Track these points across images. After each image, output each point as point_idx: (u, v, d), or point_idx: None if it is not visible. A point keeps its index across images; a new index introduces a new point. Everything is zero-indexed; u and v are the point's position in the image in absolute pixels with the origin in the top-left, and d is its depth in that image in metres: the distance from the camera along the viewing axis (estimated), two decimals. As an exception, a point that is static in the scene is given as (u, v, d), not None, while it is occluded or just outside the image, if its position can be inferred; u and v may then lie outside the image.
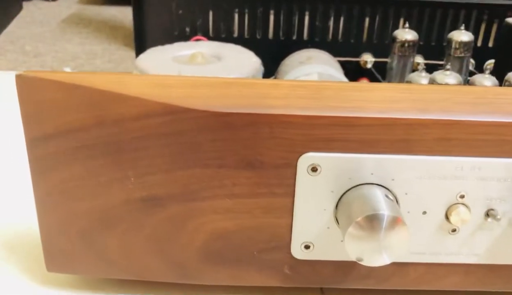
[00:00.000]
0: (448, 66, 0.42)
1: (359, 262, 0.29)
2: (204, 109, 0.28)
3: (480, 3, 0.60)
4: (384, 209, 0.28)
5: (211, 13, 0.60)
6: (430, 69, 0.58)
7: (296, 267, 0.32)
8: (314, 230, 0.31)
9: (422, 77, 0.46)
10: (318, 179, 0.30)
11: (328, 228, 0.31)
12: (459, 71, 0.52)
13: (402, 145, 0.29)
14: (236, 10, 0.59)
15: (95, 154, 0.30)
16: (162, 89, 0.29)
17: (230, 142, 0.29)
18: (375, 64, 0.60)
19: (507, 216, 0.31)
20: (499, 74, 0.46)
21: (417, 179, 0.30)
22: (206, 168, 0.29)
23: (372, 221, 0.28)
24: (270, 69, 0.59)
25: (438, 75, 0.41)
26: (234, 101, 0.28)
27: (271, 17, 0.60)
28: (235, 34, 0.60)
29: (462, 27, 0.52)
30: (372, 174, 0.29)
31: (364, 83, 0.29)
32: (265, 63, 0.61)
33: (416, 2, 0.59)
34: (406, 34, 0.51)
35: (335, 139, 0.29)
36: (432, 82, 0.41)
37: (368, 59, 0.60)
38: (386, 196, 0.29)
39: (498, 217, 0.30)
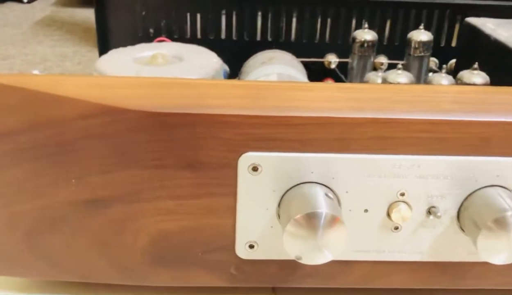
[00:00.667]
0: (400, 65, 0.42)
1: (298, 261, 0.29)
2: (140, 109, 0.28)
3: (442, 2, 0.60)
4: (323, 208, 0.28)
5: (175, 15, 0.60)
6: (392, 69, 0.58)
7: (241, 267, 0.32)
8: (257, 230, 0.31)
9: (378, 77, 0.46)
10: (259, 178, 0.30)
11: (271, 227, 0.31)
12: (419, 71, 0.53)
13: (340, 144, 0.29)
14: (200, 11, 0.59)
15: (33, 157, 0.29)
16: (99, 89, 0.29)
17: (168, 143, 0.29)
18: (339, 64, 0.60)
19: (449, 214, 0.31)
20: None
21: (357, 177, 0.30)
22: (145, 169, 0.29)
23: (310, 219, 0.28)
24: (236, 70, 0.59)
25: (391, 74, 0.41)
26: (171, 101, 0.28)
27: (235, 18, 0.60)
28: (199, 36, 0.60)
29: (421, 27, 0.52)
30: (312, 172, 0.30)
31: (306, 82, 0.29)
32: (230, 64, 0.61)
33: (378, 2, 0.60)
34: (365, 34, 0.52)
35: (274, 139, 0.29)
36: (384, 81, 0.41)
37: (332, 59, 0.60)
38: (326, 194, 0.29)
39: (439, 214, 0.30)
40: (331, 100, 0.29)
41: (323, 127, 0.29)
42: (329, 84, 0.30)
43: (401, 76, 0.41)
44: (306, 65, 0.62)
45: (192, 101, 0.28)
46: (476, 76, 0.41)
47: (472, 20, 0.53)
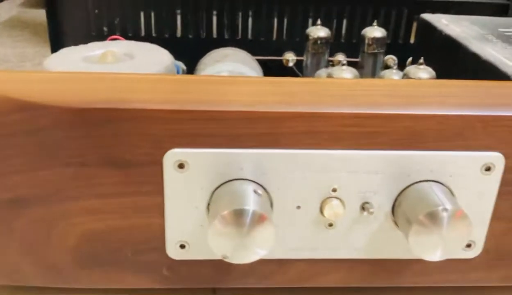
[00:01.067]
0: (344, 61, 0.41)
1: (225, 260, 0.28)
2: (59, 105, 0.27)
3: None
4: (250, 205, 0.27)
5: (129, 13, 0.59)
6: (351, 66, 0.58)
7: (174, 267, 0.31)
8: (188, 229, 0.30)
9: (336, 70, 0.45)
10: (186, 176, 0.29)
11: (201, 226, 0.30)
12: (373, 67, 0.52)
13: (269, 139, 0.28)
14: (154, 9, 0.58)
15: (-50, 155, 0.28)
16: (18, 84, 0.28)
17: (90, 140, 0.28)
18: (298, 62, 0.60)
19: (383, 209, 0.30)
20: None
21: (288, 173, 0.29)
22: (68, 167, 0.28)
23: (236, 216, 0.27)
24: (194, 68, 0.58)
25: (336, 70, 0.41)
26: (92, 96, 0.27)
27: (190, 16, 0.59)
28: (154, 34, 0.59)
29: (375, 23, 0.52)
30: (242, 169, 0.29)
31: (235, 76, 0.28)
32: (188, 62, 0.60)
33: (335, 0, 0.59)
34: (318, 31, 0.51)
35: (200, 135, 0.28)
36: (329, 76, 0.41)
37: (290, 57, 0.59)
38: (255, 191, 0.29)
39: (372, 210, 0.30)
40: (260, 94, 0.28)
41: (251, 122, 0.28)
42: (258, 78, 0.30)
43: (345, 72, 0.40)
44: (264, 63, 0.61)
45: (114, 96, 0.27)
46: (422, 71, 0.40)
47: (427, 16, 0.53)
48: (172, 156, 0.28)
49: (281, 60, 0.61)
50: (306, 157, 0.29)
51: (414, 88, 0.29)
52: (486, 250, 0.32)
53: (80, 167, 0.28)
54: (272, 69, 0.61)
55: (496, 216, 0.31)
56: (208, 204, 0.29)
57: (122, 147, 0.28)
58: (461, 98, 0.29)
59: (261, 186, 0.29)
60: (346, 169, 0.29)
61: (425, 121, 0.28)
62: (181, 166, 0.28)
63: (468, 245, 0.32)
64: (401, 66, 0.59)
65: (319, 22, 0.52)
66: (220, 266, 0.31)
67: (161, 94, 0.28)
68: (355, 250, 0.31)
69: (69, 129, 0.27)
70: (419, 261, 0.31)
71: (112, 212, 0.29)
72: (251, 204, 0.27)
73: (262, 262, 0.31)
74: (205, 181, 0.29)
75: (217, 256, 0.30)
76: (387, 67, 0.57)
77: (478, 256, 0.32)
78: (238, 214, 0.27)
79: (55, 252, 0.31)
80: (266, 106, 0.28)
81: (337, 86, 0.30)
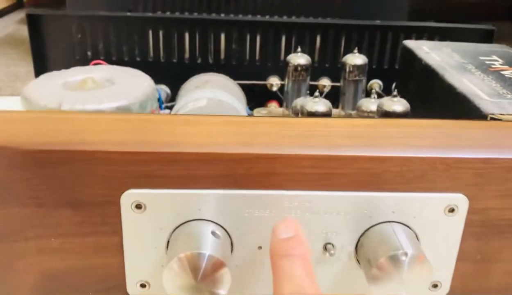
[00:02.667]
0: (317, 93, 0.41)
1: (181, 304, 0.28)
2: (12, 146, 0.27)
3: (384, 24, 0.60)
4: (206, 249, 0.27)
5: (112, 38, 0.59)
6: (336, 91, 0.58)
7: (135, 306, 0.31)
8: (148, 269, 0.30)
9: (308, 102, 0.45)
10: (144, 216, 0.28)
11: (162, 266, 0.30)
12: (354, 94, 0.52)
13: (227, 180, 0.28)
14: (137, 34, 0.58)
15: None
16: (-26, 125, 0.28)
17: (45, 181, 0.27)
18: (282, 86, 0.60)
19: (346, 250, 0.30)
20: (401, 96, 0.45)
21: (248, 214, 0.29)
22: (24, 207, 0.28)
23: (191, 259, 0.27)
24: (177, 92, 0.58)
25: (308, 102, 0.40)
26: (46, 137, 0.27)
27: (176, 40, 0.59)
28: (137, 58, 0.59)
29: (355, 51, 0.52)
30: (200, 210, 0.28)
31: (194, 115, 0.27)
32: (171, 85, 0.60)
33: (319, 25, 0.59)
34: (298, 58, 0.51)
35: (156, 176, 0.28)
36: (302, 109, 0.40)
37: (274, 82, 0.59)
38: (213, 233, 0.28)
39: (332, 251, 0.29)
40: (218, 134, 0.28)
41: (208, 163, 0.28)
42: (218, 117, 0.29)
43: (318, 104, 0.40)
44: (250, 87, 0.61)
45: (68, 137, 0.27)
46: (395, 103, 0.40)
47: (409, 43, 0.53)
48: (129, 197, 0.28)
49: (265, 85, 0.61)
50: (265, 198, 0.28)
51: (374, 129, 0.29)
52: (453, 289, 0.32)
53: (37, 207, 0.28)
54: (257, 93, 0.61)
55: (462, 256, 0.31)
56: (168, 244, 0.29)
57: (79, 188, 0.28)
58: (423, 139, 0.29)
59: (221, 226, 0.29)
60: (306, 210, 0.29)
61: (386, 163, 0.28)
62: (138, 206, 0.28)
63: (435, 285, 0.31)
64: (387, 90, 0.59)
65: (299, 49, 0.52)
66: (181, 305, 0.31)
67: (116, 134, 0.28)
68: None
69: (23, 170, 0.27)
70: (385, 301, 0.31)
71: (71, 252, 0.29)
72: (208, 247, 0.27)
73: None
74: (164, 222, 0.29)
75: (177, 296, 0.30)
76: (371, 91, 0.57)
77: (445, 297, 0.32)
78: (194, 258, 0.27)
79: (15, 291, 0.30)
80: (223, 148, 0.27)
81: (295, 126, 0.29)
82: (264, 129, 0.28)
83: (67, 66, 0.55)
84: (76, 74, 0.53)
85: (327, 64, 0.61)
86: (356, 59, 0.51)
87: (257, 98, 0.61)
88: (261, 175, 0.28)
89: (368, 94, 0.54)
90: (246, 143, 0.28)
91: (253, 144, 0.28)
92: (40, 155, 0.27)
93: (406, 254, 0.27)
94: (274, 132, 0.28)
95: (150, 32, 0.59)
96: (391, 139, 0.29)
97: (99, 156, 0.27)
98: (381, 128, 0.29)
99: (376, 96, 0.46)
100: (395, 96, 0.40)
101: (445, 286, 0.31)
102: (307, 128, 0.29)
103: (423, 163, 0.28)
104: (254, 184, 0.28)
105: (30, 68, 0.89)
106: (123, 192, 0.28)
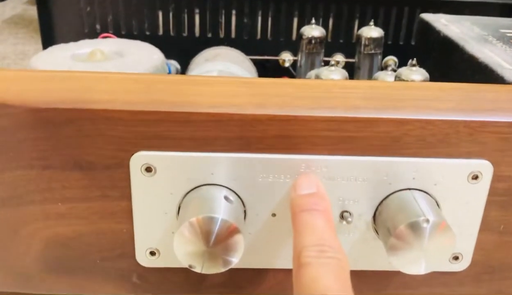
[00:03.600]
0: (332, 62, 0.40)
1: (193, 270, 0.27)
2: (20, 104, 0.26)
3: (399, -1, 0.58)
4: (219, 213, 0.26)
5: (122, 11, 0.57)
6: (350, 67, 0.56)
7: (144, 275, 0.30)
8: (158, 236, 0.29)
9: (323, 70, 0.43)
10: (154, 180, 0.27)
11: (172, 233, 0.29)
12: (370, 68, 0.50)
13: (240, 143, 0.27)
14: (147, 7, 0.57)
15: None
16: (-21, 83, 0.27)
17: (52, 141, 0.26)
18: (294, 62, 0.58)
19: (364, 219, 0.29)
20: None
21: (261, 179, 0.28)
22: (30, 169, 0.27)
23: (203, 224, 0.26)
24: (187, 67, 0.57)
25: (323, 71, 0.39)
26: (53, 95, 0.26)
27: (185, 15, 0.58)
28: (147, 32, 0.58)
29: (371, 23, 0.50)
30: (212, 174, 0.27)
31: (207, 76, 0.26)
32: (181, 60, 0.59)
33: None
34: (312, 30, 0.49)
35: (168, 137, 0.27)
36: (317, 77, 0.39)
37: (286, 57, 0.58)
38: (226, 197, 0.27)
39: (349, 219, 0.28)
40: (232, 95, 0.27)
41: (221, 124, 0.26)
42: (231, 78, 0.28)
43: (333, 73, 0.38)
44: (261, 63, 0.60)
45: (76, 96, 0.26)
46: (414, 73, 0.38)
47: (426, 16, 0.51)
48: (139, 159, 0.27)
49: (277, 60, 0.60)
50: (279, 162, 0.27)
51: (394, 91, 0.28)
52: (474, 263, 0.30)
53: (43, 169, 0.27)
54: (269, 69, 0.60)
55: (485, 227, 0.29)
56: (179, 210, 0.28)
57: (86, 149, 0.27)
58: (446, 102, 0.27)
59: (234, 192, 0.28)
60: (322, 175, 0.27)
61: (406, 125, 0.27)
62: (148, 169, 0.27)
63: (456, 258, 0.30)
64: (401, 67, 0.58)
65: (313, 21, 0.50)
66: (192, 274, 0.30)
67: (126, 94, 0.26)
68: (334, 261, 0.30)
69: (30, 130, 0.26)
70: (403, 273, 0.29)
71: (78, 217, 0.28)
72: (221, 212, 0.26)
73: (237, 272, 0.29)
74: (174, 186, 0.28)
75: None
76: (386, 68, 0.55)
77: (466, 269, 0.31)
78: (206, 222, 0.26)
79: (21, 257, 0.29)
80: (237, 108, 0.26)
81: (312, 87, 0.28)
82: (279, 91, 0.27)
83: (76, 39, 0.54)
84: (85, 46, 0.52)
85: (341, 40, 0.59)
86: (372, 31, 0.49)
87: (269, 74, 0.60)
88: (276, 137, 0.27)
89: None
90: (260, 104, 0.26)
91: (268, 105, 0.26)
92: (47, 114, 0.26)
93: (427, 221, 0.26)
94: (290, 94, 0.27)
95: (160, 5, 0.57)
96: (412, 101, 0.27)
97: (107, 115, 0.26)
98: (402, 90, 0.28)
99: (395, 68, 0.44)
100: (414, 65, 0.38)
101: (467, 258, 0.30)
102: (324, 90, 0.28)
103: (445, 126, 0.27)
104: (268, 147, 0.27)
105: (38, 46, 0.88)
106: (132, 154, 0.27)
